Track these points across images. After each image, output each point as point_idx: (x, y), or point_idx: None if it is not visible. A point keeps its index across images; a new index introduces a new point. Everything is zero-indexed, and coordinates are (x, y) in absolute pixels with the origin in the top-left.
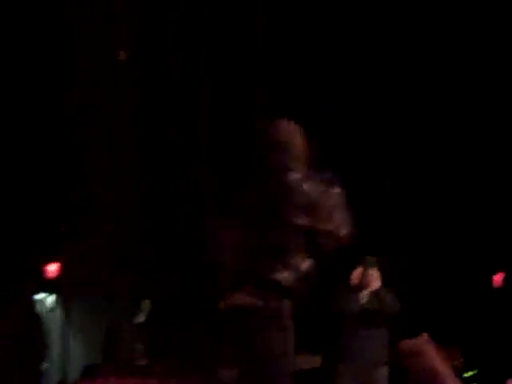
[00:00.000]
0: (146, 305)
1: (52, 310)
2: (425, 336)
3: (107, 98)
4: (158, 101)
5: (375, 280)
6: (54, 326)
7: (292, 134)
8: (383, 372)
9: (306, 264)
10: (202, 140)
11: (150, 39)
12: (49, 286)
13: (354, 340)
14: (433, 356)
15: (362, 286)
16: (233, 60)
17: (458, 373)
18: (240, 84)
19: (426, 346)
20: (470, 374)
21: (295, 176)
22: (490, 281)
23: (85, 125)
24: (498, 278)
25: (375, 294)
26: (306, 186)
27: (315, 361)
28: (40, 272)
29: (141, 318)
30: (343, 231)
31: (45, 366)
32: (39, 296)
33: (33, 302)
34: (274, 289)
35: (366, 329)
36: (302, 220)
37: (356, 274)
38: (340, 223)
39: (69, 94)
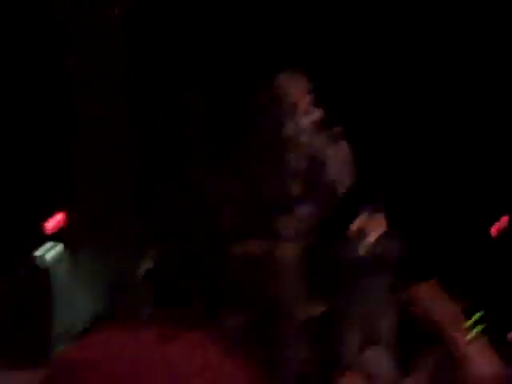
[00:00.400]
0: (152, 253)
1: (59, 260)
2: (434, 281)
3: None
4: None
5: (379, 226)
6: (60, 277)
7: (291, 87)
8: (391, 318)
9: (305, 210)
10: (196, 95)
11: None
12: (54, 236)
13: (356, 286)
14: (444, 299)
15: (365, 232)
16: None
17: (466, 315)
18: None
19: (436, 290)
20: (476, 315)
21: (293, 127)
22: (493, 222)
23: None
24: (503, 220)
25: (377, 241)
26: (304, 138)
27: (321, 306)
28: (44, 223)
29: (147, 266)
30: (343, 184)
31: (52, 319)
32: (44, 247)
33: (33, 258)
34: (276, 237)
35: (369, 275)
36: (298, 169)
37: (357, 221)
38: (340, 175)
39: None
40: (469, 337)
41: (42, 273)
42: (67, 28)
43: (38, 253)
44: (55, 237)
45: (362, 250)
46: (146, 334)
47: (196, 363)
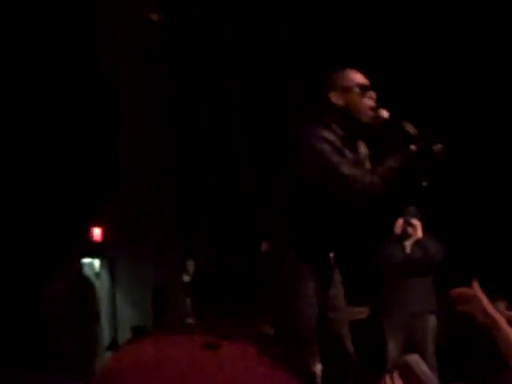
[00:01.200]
0: (191, 264)
1: (98, 273)
2: (476, 283)
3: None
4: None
5: (418, 229)
6: (102, 289)
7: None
8: (430, 321)
9: None
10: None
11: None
12: (94, 249)
13: (397, 290)
14: (486, 302)
15: (404, 236)
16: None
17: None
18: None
19: (478, 292)
20: None
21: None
22: None
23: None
24: None
25: (418, 244)
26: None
27: (362, 312)
28: (86, 236)
29: (186, 278)
30: (362, 181)
31: (97, 328)
32: (86, 260)
33: (81, 266)
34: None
35: (409, 279)
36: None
37: (398, 225)
38: (357, 173)
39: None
40: None
41: (88, 281)
42: (108, 32)
43: (86, 261)
44: (96, 249)
45: (403, 253)
46: (190, 342)
47: (240, 372)
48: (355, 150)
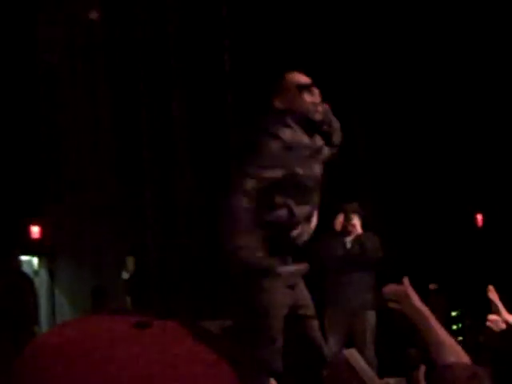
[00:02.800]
0: (131, 261)
1: (37, 271)
2: (406, 279)
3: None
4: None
5: (357, 226)
6: (40, 287)
7: None
8: (370, 317)
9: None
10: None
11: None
12: (33, 247)
13: (338, 285)
14: (416, 298)
15: (344, 232)
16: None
17: (443, 314)
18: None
19: (408, 290)
20: (454, 313)
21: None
22: (470, 221)
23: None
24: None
25: (358, 240)
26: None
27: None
28: (24, 234)
29: (126, 275)
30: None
31: (35, 327)
32: (24, 257)
33: (20, 264)
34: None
35: (349, 273)
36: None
37: (338, 221)
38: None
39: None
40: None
41: (26, 277)
42: (49, 30)
43: (24, 258)
44: (34, 247)
45: (343, 248)
46: (122, 321)
47: (163, 350)
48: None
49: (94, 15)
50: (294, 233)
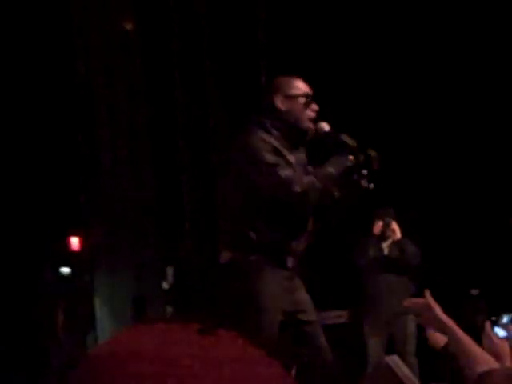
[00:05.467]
0: (170, 272)
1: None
2: (428, 292)
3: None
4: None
5: (396, 231)
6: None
7: None
8: (410, 323)
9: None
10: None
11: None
12: (72, 259)
13: (377, 290)
14: (439, 311)
15: (383, 236)
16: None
17: (485, 319)
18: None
19: (431, 302)
20: (495, 318)
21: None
22: (507, 225)
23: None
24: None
25: (397, 244)
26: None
27: (342, 315)
28: (64, 246)
29: (166, 285)
30: (300, 182)
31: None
32: (64, 269)
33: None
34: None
35: (388, 278)
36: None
37: (377, 226)
38: (294, 174)
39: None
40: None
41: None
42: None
43: (64, 270)
44: (74, 259)
45: (382, 253)
46: (185, 328)
47: (242, 356)
48: (292, 155)
49: (128, 25)
50: None
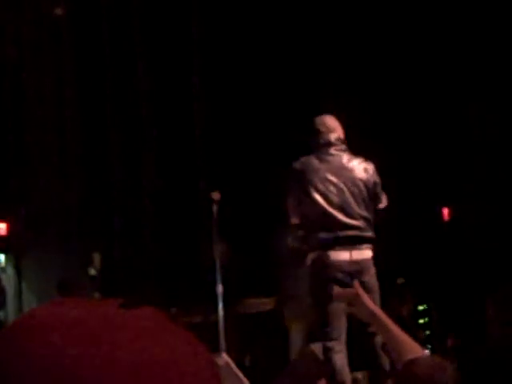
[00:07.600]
0: (97, 257)
1: (3, 268)
2: (356, 283)
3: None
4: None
5: None
6: (8, 284)
7: None
8: None
9: None
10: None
11: None
12: None
13: (293, 279)
14: (368, 300)
15: None
16: None
17: (410, 308)
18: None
19: (359, 292)
20: (421, 307)
21: None
22: (437, 215)
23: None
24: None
25: None
26: None
27: (266, 303)
28: None
29: (92, 271)
30: None
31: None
32: None
33: None
34: None
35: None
36: None
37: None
38: None
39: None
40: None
41: None
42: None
43: None
44: (2, 243)
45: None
46: (105, 304)
47: (160, 328)
48: None
49: (59, 11)
50: None
